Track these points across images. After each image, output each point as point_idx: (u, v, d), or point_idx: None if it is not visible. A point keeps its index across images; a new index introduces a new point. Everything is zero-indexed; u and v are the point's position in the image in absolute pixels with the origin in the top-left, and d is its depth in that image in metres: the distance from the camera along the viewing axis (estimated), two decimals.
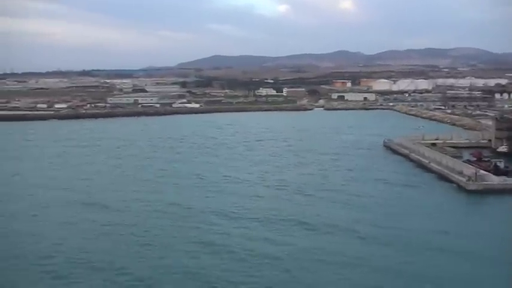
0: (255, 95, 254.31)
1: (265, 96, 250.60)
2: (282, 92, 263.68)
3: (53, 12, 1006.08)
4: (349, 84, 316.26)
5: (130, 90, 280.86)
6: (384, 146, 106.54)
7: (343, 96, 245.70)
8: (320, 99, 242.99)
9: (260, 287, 38.98)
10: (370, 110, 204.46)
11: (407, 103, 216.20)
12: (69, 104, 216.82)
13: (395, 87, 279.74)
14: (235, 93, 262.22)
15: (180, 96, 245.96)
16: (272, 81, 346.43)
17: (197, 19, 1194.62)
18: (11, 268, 42.85)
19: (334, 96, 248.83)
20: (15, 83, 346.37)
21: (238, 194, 67.26)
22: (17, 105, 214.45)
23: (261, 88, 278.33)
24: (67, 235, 50.87)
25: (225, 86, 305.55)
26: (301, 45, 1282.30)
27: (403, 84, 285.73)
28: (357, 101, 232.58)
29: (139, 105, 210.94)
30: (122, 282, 39.82)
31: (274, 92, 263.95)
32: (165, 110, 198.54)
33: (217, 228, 52.04)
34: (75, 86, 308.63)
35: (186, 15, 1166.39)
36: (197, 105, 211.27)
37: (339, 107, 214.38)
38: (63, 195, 67.17)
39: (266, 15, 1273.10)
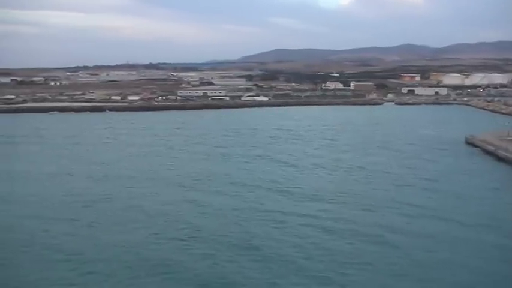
0: (322, 89, 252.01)
1: (332, 90, 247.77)
2: (349, 85, 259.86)
3: (122, 7, 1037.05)
4: (418, 78, 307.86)
5: (198, 83, 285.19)
6: (466, 142, 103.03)
7: (414, 91, 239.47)
8: (389, 93, 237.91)
9: None
10: (443, 105, 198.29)
11: (482, 98, 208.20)
12: (141, 96, 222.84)
13: (467, 82, 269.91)
14: (302, 87, 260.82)
15: (247, 90, 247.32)
16: (337, 74, 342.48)
17: (260, 13, 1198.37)
18: None
19: (404, 90, 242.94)
20: (88, 75, 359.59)
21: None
22: (92, 97, 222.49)
23: (327, 82, 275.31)
24: None
25: (291, 79, 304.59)
26: (365, 38, 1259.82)
27: (476, 78, 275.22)
28: (428, 95, 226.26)
29: (209, 98, 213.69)
30: None
31: (341, 86, 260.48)
32: (235, 103, 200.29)
33: None
34: (145, 79, 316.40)
35: (249, 8, 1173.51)
36: (266, 99, 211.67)
37: (410, 101, 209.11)
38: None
39: (329, 8, 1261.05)
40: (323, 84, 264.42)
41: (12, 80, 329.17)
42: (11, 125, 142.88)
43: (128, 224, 50.80)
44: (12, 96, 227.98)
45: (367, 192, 63.79)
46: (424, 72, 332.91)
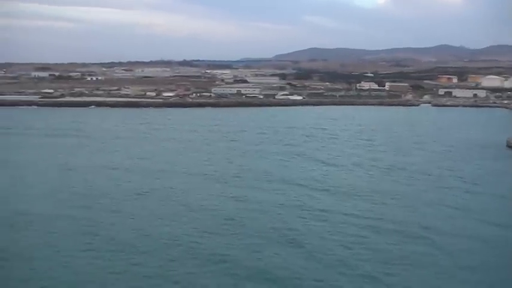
0: (356, 89, 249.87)
1: (367, 90, 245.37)
2: (384, 86, 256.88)
3: (157, 4, 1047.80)
4: (455, 80, 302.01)
5: (231, 80, 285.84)
6: (508, 146, 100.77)
7: (451, 93, 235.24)
8: (425, 94, 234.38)
9: None
10: (481, 108, 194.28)
11: None
12: (176, 92, 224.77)
13: (507, 84, 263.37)
14: (336, 86, 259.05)
15: (281, 88, 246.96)
16: (372, 74, 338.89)
17: (295, 11, 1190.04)
18: None
19: (441, 92, 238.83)
20: (123, 71, 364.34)
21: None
22: (127, 93, 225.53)
23: (362, 81, 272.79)
24: None
25: (325, 78, 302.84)
26: (401, 38, 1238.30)
27: None
28: (466, 97, 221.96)
29: (243, 96, 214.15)
30: None
31: (376, 86, 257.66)
32: (269, 102, 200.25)
33: None
34: (179, 76, 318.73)
35: (283, 7, 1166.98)
36: (300, 98, 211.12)
37: (448, 103, 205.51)
38: None
39: (364, 7, 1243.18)
40: (357, 84, 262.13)
41: (50, 74, 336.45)
42: (52, 118, 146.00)
43: (171, 218, 51.27)
44: (51, 91, 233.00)
45: (407, 192, 63.04)
46: (462, 73, 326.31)
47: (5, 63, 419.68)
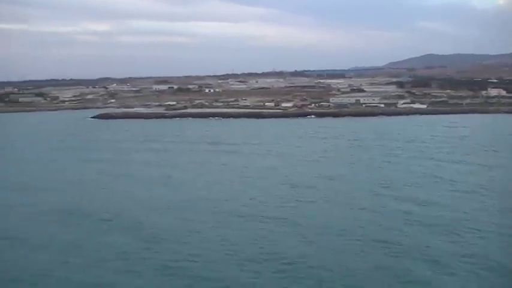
0: (483, 96, 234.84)
1: (495, 97, 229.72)
2: None
3: (267, 16, 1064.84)
4: None
5: (347, 90, 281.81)
6: None
7: None
8: None
9: None
10: None
11: None
12: (293, 102, 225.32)
13: None
14: (459, 94, 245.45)
15: (400, 97, 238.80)
16: (496, 80, 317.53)
17: (407, 17, 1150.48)
18: None
19: None
20: (238, 82, 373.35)
21: None
22: (246, 104, 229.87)
23: (488, 88, 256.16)
24: None
25: (445, 86, 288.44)
26: None
27: None
28: None
29: (363, 105, 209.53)
30: None
31: (504, 93, 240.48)
32: (391, 111, 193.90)
33: None
34: (294, 86, 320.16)
35: (395, 14, 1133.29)
36: (423, 106, 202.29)
37: None
38: None
39: (483, 8, 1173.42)
40: (483, 91, 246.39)
41: (169, 87, 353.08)
42: (196, 129, 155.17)
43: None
44: (174, 103, 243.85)
45: None
46: None
47: (128, 78, 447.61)
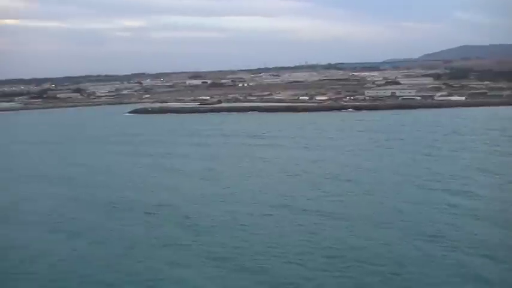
0: None
1: None
2: None
3: (300, 10, 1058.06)
4: None
5: (382, 82, 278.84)
6: None
7: None
8: None
9: None
10: None
11: None
12: (328, 96, 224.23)
13: None
14: (499, 85, 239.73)
15: (436, 89, 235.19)
16: None
17: (442, 8, 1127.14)
18: None
19: None
20: (271, 76, 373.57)
21: None
22: (281, 97, 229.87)
23: None
24: None
25: (484, 77, 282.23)
26: None
27: None
28: None
29: (399, 98, 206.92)
30: None
31: None
32: (429, 103, 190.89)
33: None
34: (327, 79, 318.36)
35: (430, 5, 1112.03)
36: (462, 98, 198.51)
37: None
38: None
39: None
40: None
41: (202, 82, 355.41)
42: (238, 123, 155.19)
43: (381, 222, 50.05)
44: (208, 97, 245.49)
45: None
46: None
47: (162, 73, 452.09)
